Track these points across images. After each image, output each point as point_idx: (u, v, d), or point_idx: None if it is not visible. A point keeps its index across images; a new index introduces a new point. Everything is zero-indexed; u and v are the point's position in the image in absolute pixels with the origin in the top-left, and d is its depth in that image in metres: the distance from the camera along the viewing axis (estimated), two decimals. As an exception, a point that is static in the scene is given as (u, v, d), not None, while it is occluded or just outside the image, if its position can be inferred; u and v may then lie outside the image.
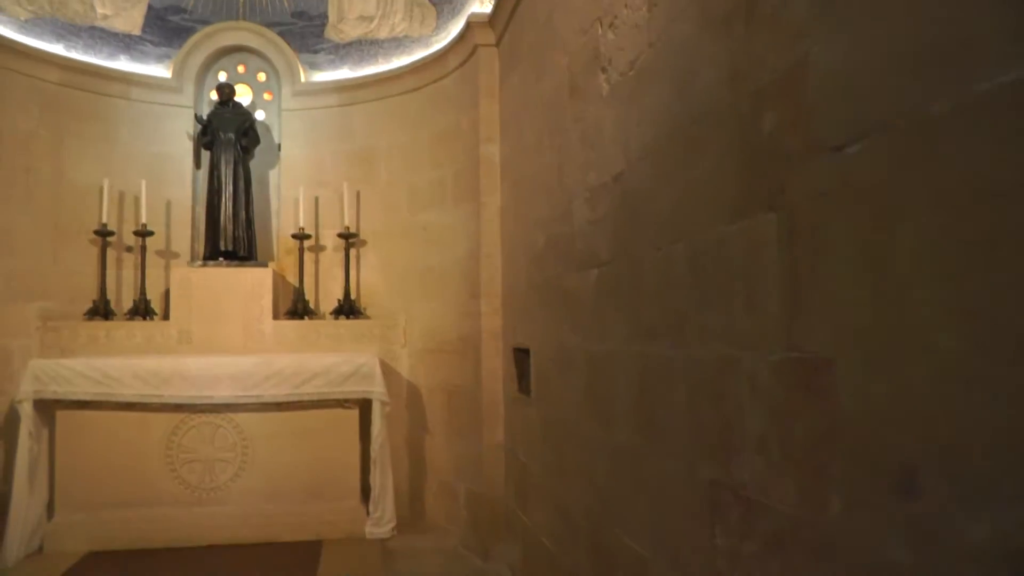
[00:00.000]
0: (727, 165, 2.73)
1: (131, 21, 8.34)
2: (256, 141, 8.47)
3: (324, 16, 8.67)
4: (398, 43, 8.39)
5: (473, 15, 7.02)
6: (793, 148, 2.32)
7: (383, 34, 8.48)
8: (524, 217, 5.99)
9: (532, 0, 5.77)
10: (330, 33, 8.70)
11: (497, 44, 6.98)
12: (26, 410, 6.82)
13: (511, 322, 6.56)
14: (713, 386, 2.85)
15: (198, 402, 7.07)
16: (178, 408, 7.14)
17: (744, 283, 2.61)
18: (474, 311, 7.08)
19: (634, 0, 3.67)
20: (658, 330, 3.36)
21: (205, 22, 8.66)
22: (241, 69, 8.96)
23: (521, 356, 6.24)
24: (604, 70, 4.08)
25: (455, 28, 7.62)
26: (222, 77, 8.84)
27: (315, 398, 7.31)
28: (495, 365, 6.88)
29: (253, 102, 8.92)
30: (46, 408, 7.02)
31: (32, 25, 7.80)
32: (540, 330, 5.52)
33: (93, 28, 8.15)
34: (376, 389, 7.34)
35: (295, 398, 7.27)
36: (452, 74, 7.67)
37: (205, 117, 8.39)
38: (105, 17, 8.17)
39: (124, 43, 8.32)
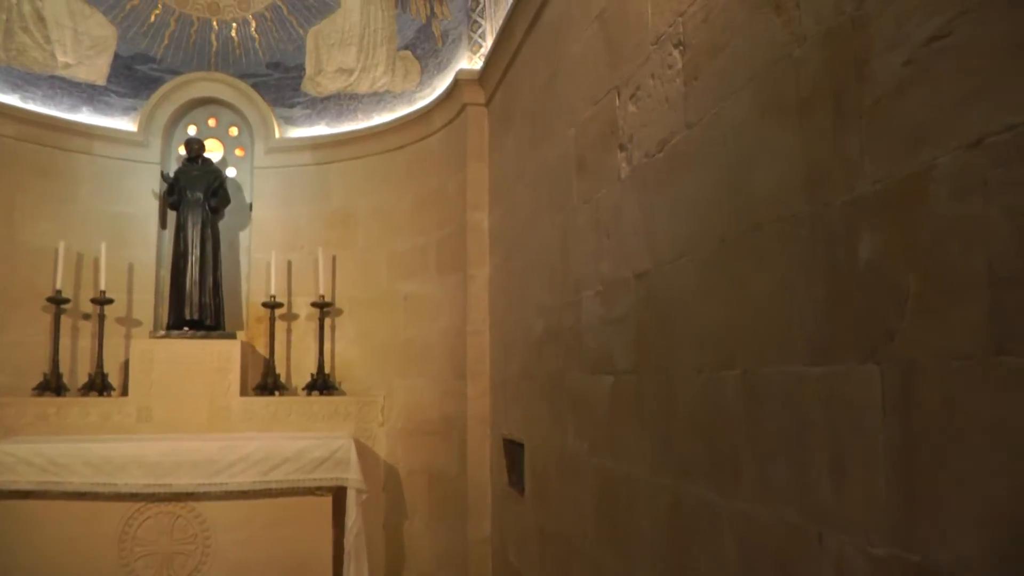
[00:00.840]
0: (803, 289, 2.18)
1: (95, 70, 7.82)
2: (226, 201, 7.92)
3: (301, 68, 8.20)
4: (379, 99, 7.89)
5: (462, 72, 6.52)
6: (910, 287, 1.77)
7: (363, 88, 7.98)
8: (518, 296, 5.43)
9: (530, 59, 5.26)
10: (307, 86, 8.21)
11: (487, 104, 6.47)
12: (-40, 503, 6.13)
13: (500, 408, 5.98)
14: (779, 556, 2.27)
15: (156, 491, 6.39)
16: (133, 497, 6.45)
17: (830, 444, 2.04)
18: (459, 391, 6.49)
19: (664, 70, 3.14)
20: (696, 467, 2.79)
21: (175, 72, 8.15)
22: (212, 123, 8.41)
23: (512, 447, 5.64)
24: (623, 148, 3.54)
25: (441, 84, 7.13)
26: (192, 131, 8.29)
27: (284, 486, 6.65)
28: (482, 453, 6.28)
29: (224, 158, 8.37)
30: (-17, 497, 6.31)
31: None
32: (537, 425, 4.94)
33: (53, 78, 7.61)
34: (352, 476, 6.71)
35: (262, 486, 6.61)
36: (438, 134, 7.15)
37: (172, 174, 7.85)
38: (67, 66, 7.64)
39: (87, 94, 7.78)
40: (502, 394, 5.91)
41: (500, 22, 5.91)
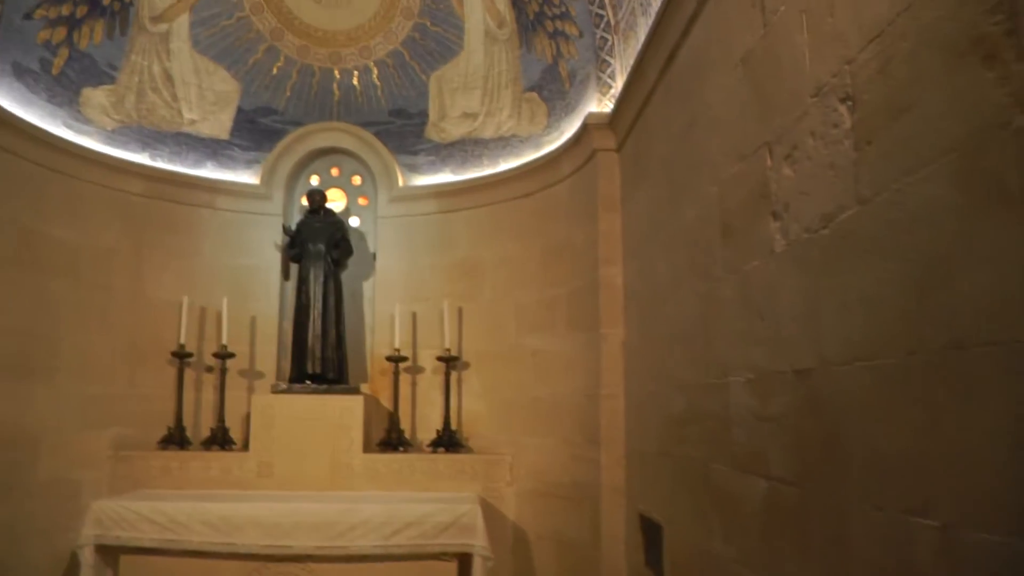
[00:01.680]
0: (1037, 439, 1.64)
1: (219, 125, 7.80)
2: (348, 252, 7.73)
3: (424, 114, 7.96)
4: (505, 143, 7.55)
5: (591, 115, 6.11)
6: None
7: (488, 133, 7.67)
8: (655, 365, 4.94)
9: (664, 103, 4.80)
10: (431, 133, 7.96)
11: (618, 149, 6.03)
12: (87, 558, 6.09)
13: (636, 481, 5.48)
14: None
15: (274, 552, 6.17)
16: (251, 557, 6.25)
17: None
18: (590, 457, 6.03)
19: (827, 129, 2.62)
20: (879, 621, 2.24)
21: (297, 123, 8.04)
22: (335, 172, 8.27)
23: (649, 525, 5.14)
24: (777, 216, 3.03)
25: (569, 128, 6.73)
26: (314, 181, 8.18)
27: (406, 551, 6.31)
28: (616, 526, 5.79)
29: (347, 207, 8.21)
30: (110, 551, 6.25)
31: (117, 135, 7.28)
32: (677, 511, 4.43)
33: (180, 134, 7.62)
34: (478, 543, 6.31)
35: (383, 550, 6.29)
36: (566, 181, 6.75)
37: (295, 226, 7.73)
38: (192, 122, 7.66)
39: (211, 149, 7.75)
40: (638, 466, 5.42)
41: (631, 61, 5.48)
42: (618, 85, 6.05)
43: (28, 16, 6.45)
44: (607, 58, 6.25)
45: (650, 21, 4.97)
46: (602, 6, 6.26)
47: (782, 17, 3.01)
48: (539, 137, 7.30)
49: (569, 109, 6.90)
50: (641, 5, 5.45)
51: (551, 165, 6.95)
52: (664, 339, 4.71)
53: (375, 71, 7.98)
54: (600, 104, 6.26)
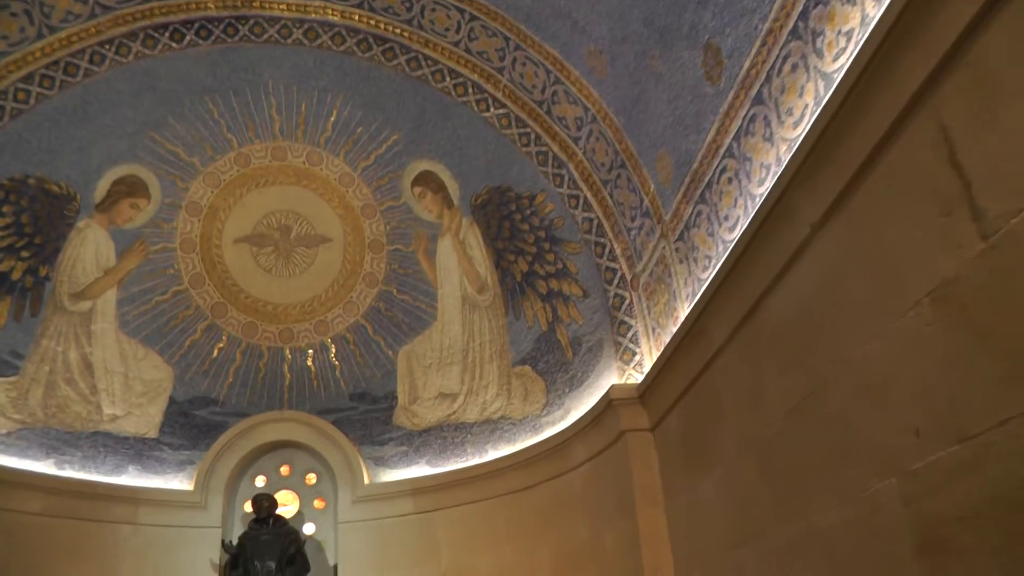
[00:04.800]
0: None
1: (146, 421, 6.56)
2: (305, 569, 6.31)
3: (392, 397, 6.86)
4: (493, 427, 6.44)
5: (616, 389, 5.05)
6: None
7: (472, 416, 6.59)
8: None
9: (743, 366, 3.70)
10: (401, 418, 6.82)
11: (653, 429, 4.87)
12: None
13: None
14: None
15: None
16: None
17: None
18: None
19: None
20: None
21: (241, 414, 6.84)
22: (285, 471, 6.96)
23: None
24: None
25: (577, 405, 5.69)
26: (260, 483, 6.86)
27: None
28: None
29: (300, 512, 6.84)
30: None
31: (14, 439, 5.98)
32: None
33: (96, 434, 6.35)
34: None
35: None
36: (581, 468, 5.59)
37: (236, 541, 6.31)
38: (114, 419, 6.41)
39: (135, 450, 6.47)
40: None
41: (665, 319, 4.47)
42: (644, 351, 5.00)
43: None
44: (626, 319, 5.27)
45: (701, 267, 4.01)
46: (613, 258, 5.37)
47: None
48: (537, 418, 6.17)
49: (574, 383, 5.84)
50: (677, 252, 4.51)
51: (559, 452, 5.76)
52: None
53: (332, 349, 6.95)
54: (623, 375, 5.18)
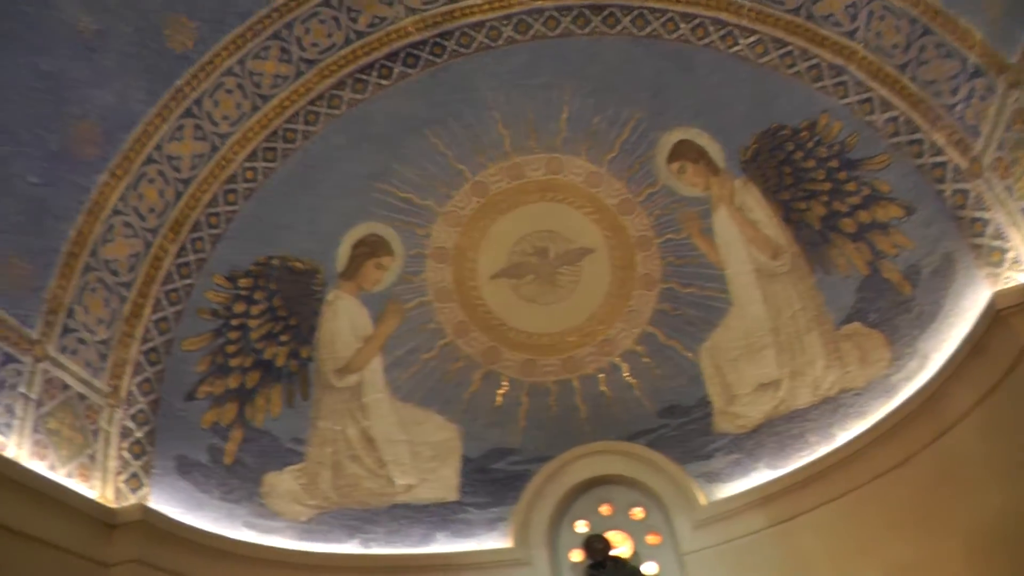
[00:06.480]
0: None
1: (443, 484, 6.22)
2: None
3: (705, 403, 6.16)
4: (834, 406, 5.63)
5: (1001, 296, 4.04)
6: None
7: (803, 400, 5.81)
8: None
9: None
10: (721, 424, 6.08)
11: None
12: None
13: None
14: None
15: None
16: None
17: None
18: None
19: None
20: None
21: (542, 459, 6.30)
22: (605, 511, 6.32)
23: None
24: None
25: (934, 347, 4.93)
26: (581, 529, 6.22)
27: None
28: None
29: (636, 553, 6.08)
30: None
31: (315, 525, 5.81)
32: None
33: (395, 508, 6.07)
34: None
35: None
36: (968, 419, 4.63)
37: None
38: (409, 488, 6.14)
39: (438, 517, 6.13)
40: None
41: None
42: (1018, 240, 3.93)
43: (190, 397, 5.46)
44: (978, 214, 4.27)
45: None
46: (936, 151, 4.45)
47: None
48: (885, 379, 5.37)
49: (924, 320, 5.02)
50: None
51: (930, 407, 4.91)
52: None
53: (625, 367, 6.37)
54: (997, 280, 4.13)
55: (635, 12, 5.33)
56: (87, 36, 4.53)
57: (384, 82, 5.66)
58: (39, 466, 4.51)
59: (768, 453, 5.88)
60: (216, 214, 5.57)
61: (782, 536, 5.58)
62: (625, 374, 6.34)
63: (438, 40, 5.55)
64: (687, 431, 6.20)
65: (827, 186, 5.38)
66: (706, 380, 6.17)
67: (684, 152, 5.96)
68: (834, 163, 5.29)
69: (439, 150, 6.02)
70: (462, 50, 5.60)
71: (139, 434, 5.20)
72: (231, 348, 5.70)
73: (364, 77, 5.61)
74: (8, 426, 4.36)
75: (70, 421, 4.77)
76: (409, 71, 5.65)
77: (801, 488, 5.58)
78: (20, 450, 4.44)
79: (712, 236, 6.05)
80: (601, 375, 6.41)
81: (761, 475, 5.87)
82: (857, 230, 5.25)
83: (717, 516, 5.83)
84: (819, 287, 5.64)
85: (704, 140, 5.87)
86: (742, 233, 5.89)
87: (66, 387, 4.80)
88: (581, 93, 5.84)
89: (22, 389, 4.50)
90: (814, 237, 5.54)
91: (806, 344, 5.73)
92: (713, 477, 6.04)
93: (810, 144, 5.38)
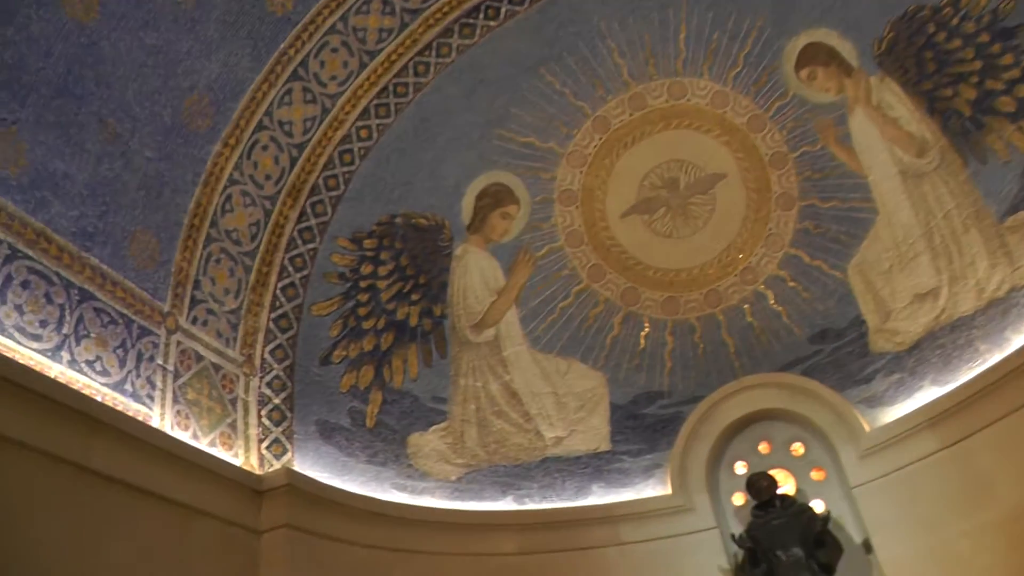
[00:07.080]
0: None
1: (594, 434, 6.09)
2: (839, 550, 5.28)
3: (859, 323, 5.82)
4: (1005, 307, 5.21)
5: None
6: None
7: (966, 306, 5.34)
8: None
9: None
10: (878, 343, 5.69)
11: None
12: None
13: None
14: None
15: None
16: None
17: None
18: None
19: None
20: None
21: (693, 399, 6.08)
22: (764, 449, 5.99)
23: None
24: None
25: None
26: (740, 470, 5.93)
27: None
28: None
29: (800, 490, 5.73)
30: None
31: (466, 484, 5.78)
32: None
33: (546, 461, 6.00)
34: None
35: None
36: None
37: (745, 534, 5.43)
38: (559, 441, 6.05)
39: (592, 468, 5.99)
40: None
41: None
42: None
43: (325, 361, 5.53)
44: None
45: None
46: None
47: None
48: None
49: None
50: None
51: None
52: None
53: (770, 295, 6.11)
54: None
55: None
56: (187, 7, 4.59)
57: (492, 23, 5.61)
58: (183, 435, 4.51)
59: (933, 369, 5.43)
60: (334, 176, 5.61)
61: (958, 458, 5.09)
62: (771, 302, 6.08)
63: (544, -32, 5.46)
64: (842, 355, 5.88)
65: (977, 65, 4.99)
66: (858, 298, 5.83)
67: (813, 56, 5.68)
68: (984, 37, 4.91)
69: (556, 88, 5.96)
70: (570, -24, 5.47)
71: (277, 400, 5.26)
72: (362, 311, 5.75)
73: (471, 21, 5.57)
74: (151, 397, 4.46)
75: (208, 391, 4.88)
76: (517, 8, 5.64)
77: (975, 403, 5.02)
78: (163, 421, 4.53)
79: (851, 143, 5.74)
80: (746, 306, 6.18)
81: (928, 393, 5.38)
82: (1017, 108, 4.81)
83: (884, 443, 5.38)
84: (974, 180, 5.20)
85: (834, 40, 5.58)
86: (883, 134, 5.53)
87: (200, 358, 4.90)
88: (698, 9, 5.69)
89: (160, 361, 4.59)
90: (964, 125, 5.13)
91: (964, 245, 5.30)
92: (875, 401, 5.64)
93: (955, 21, 5.02)
